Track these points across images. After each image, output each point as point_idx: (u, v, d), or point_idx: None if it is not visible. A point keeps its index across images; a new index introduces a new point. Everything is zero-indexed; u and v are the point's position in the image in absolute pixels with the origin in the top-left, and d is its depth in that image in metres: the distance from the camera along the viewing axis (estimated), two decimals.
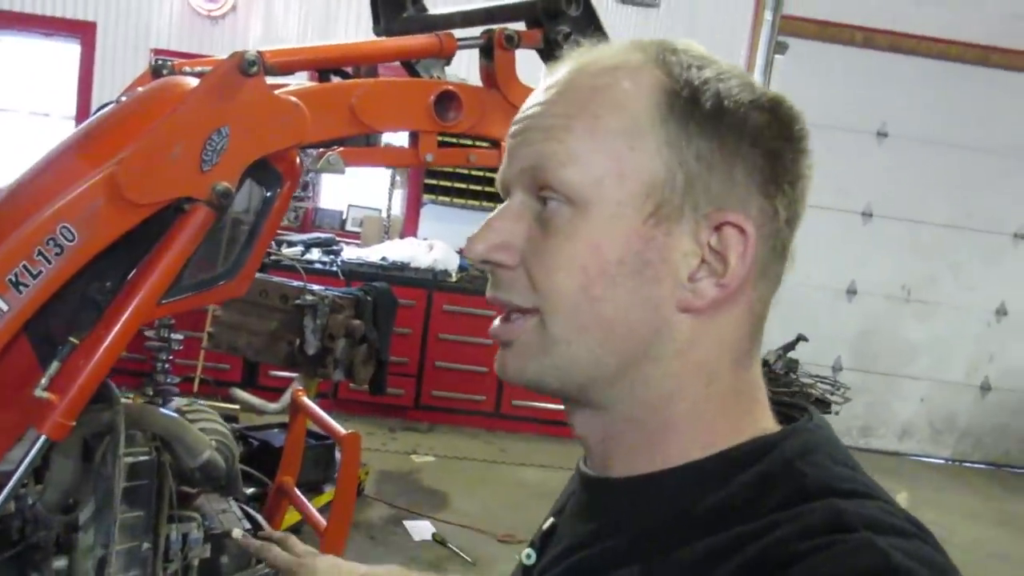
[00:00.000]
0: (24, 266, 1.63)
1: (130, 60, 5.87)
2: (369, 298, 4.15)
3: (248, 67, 1.73)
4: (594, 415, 0.66)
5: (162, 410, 2.25)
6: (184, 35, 5.89)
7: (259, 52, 1.79)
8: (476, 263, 0.67)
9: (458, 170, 5.60)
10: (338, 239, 6.00)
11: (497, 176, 0.70)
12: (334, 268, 5.42)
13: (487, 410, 5.75)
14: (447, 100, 2.03)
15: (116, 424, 1.98)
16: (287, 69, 1.84)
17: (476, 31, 2.07)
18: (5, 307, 1.64)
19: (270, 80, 1.77)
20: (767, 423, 0.65)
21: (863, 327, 6.70)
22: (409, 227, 6.28)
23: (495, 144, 2.15)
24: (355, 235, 6.17)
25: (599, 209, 0.61)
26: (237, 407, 4.41)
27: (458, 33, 2.07)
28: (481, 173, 5.54)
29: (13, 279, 1.64)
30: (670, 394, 0.63)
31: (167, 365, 3.60)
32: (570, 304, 0.62)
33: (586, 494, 0.70)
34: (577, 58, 0.67)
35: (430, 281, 5.63)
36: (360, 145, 1.98)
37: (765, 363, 4.13)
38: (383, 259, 5.64)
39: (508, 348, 0.66)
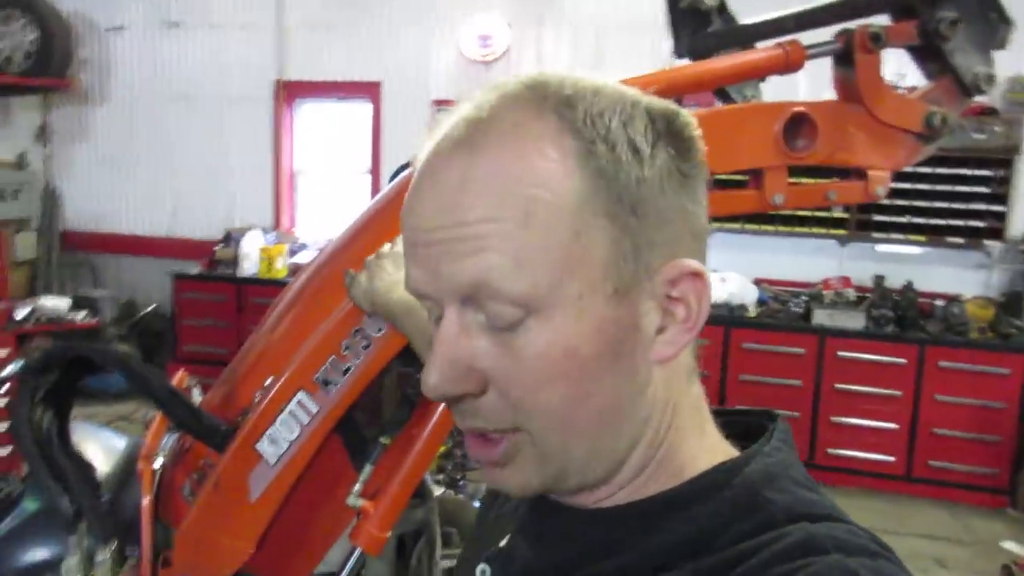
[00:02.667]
0: (332, 362, 1.47)
1: (411, 112, 6.07)
2: None
3: None
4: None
5: (478, 504, 2.03)
6: (460, 83, 5.98)
7: None
8: (437, 399, 0.61)
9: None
10: None
11: (409, 278, 0.62)
12: None
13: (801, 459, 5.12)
14: (796, 126, 1.61)
15: (430, 522, 1.79)
16: None
17: (813, 33, 1.65)
18: (316, 408, 1.49)
19: None
20: (716, 440, 0.66)
21: None
22: None
23: (859, 174, 1.69)
24: None
25: (563, 311, 0.57)
26: None
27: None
28: None
29: (322, 378, 1.48)
30: (652, 442, 0.63)
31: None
32: (560, 416, 0.59)
33: (550, 519, 0.67)
34: (456, 136, 0.59)
35: (726, 317, 5.17)
36: None
37: None
38: None
39: (503, 468, 0.62)
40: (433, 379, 0.59)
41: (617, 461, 0.63)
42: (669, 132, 0.60)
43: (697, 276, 0.61)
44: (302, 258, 6.01)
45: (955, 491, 4.94)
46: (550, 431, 0.60)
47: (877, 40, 1.59)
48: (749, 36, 1.83)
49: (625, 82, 1.73)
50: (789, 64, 1.60)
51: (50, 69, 6.07)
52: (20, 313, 4.02)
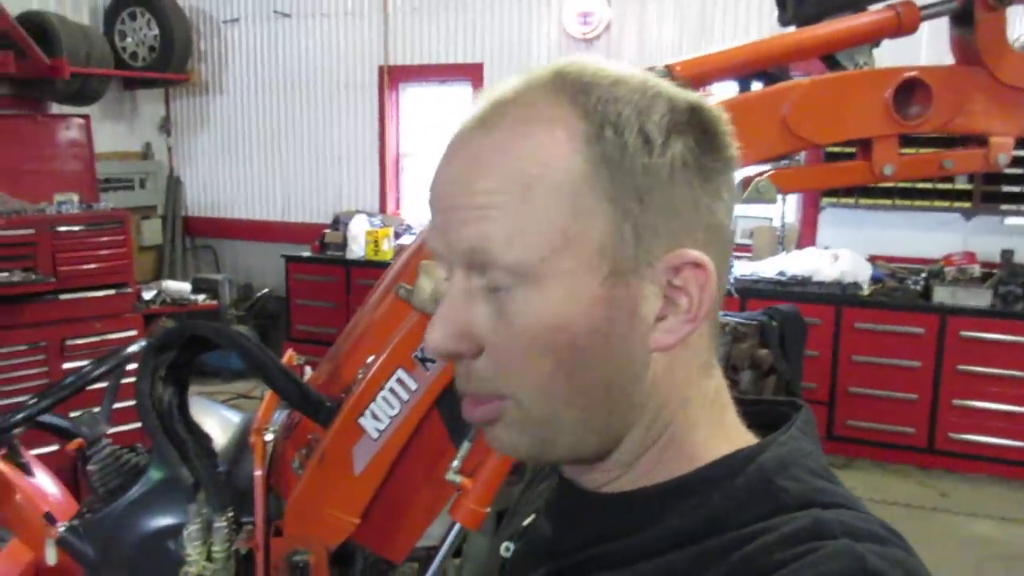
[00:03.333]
0: None
1: None
2: (775, 323, 3.70)
3: None
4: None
5: None
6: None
7: (667, 66, 1.47)
8: (436, 356, 0.65)
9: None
10: None
11: (428, 242, 0.66)
12: (727, 287, 5.00)
13: (919, 444, 4.89)
14: (908, 92, 1.53)
15: None
16: (701, 80, 1.51)
17: None
18: (415, 385, 1.52)
19: None
20: (737, 430, 0.67)
21: None
22: (806, 235, 5.64)
23: (979, 141, 1.59)
24: (745, 247, 5.69)
25: (554, 284, 0.59)
26: None
27: None
28: None
29: (420, 355, 1.51)
30: (651, 427, 0.64)
31: None
32: (545, 386, 0.60)
33: (569, 502, 0.69)
34: (478, 115, 0.63)
35: (838, 296, 4.97)
36: (793, 164, 1.56)
37: None
38: (780, 273, 5.11)
39: (494, 425, 0.64)
40: (434, 336, 0.62)
41: (612, 438, 0.63)
42: (691, 124, 0.61)
43: (699, 266, 0.61)
44: (407, 240, 6.14)
45: None
46: (533, 400, 0.61)
47: None
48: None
49: (724, 53, 1.68)
50: (902, 27, 1.52)
51: (172, 63, 6.38)
52: (148, 295, 4.27)
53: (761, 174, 1.55)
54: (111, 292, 3.90)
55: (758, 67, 1.55)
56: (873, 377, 4.92)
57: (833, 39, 1.56)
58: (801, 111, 1.48)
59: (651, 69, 1.45)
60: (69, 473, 3.02)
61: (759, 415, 0.69)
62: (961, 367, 4.77)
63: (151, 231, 6.81)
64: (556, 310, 0.59)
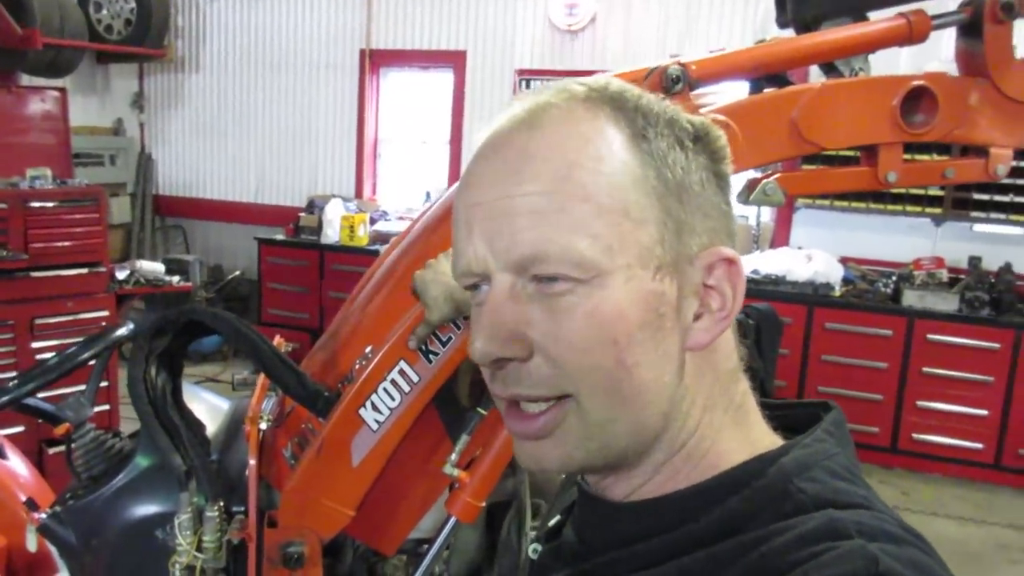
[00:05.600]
0: (435, 332, 1.48)
1: (495, 82, 6.05)
2: (752, 321, 3.73)
3: (672, 84, 1.42)
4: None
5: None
6: (545, 52, 5.92)
7: (682, 64, 1.46)
8: (485, 364, 0.62)
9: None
10: None
11: (460, 261, 0.64)
12: None
13: (881, 444, 4.99)
14: (914, 100, 1.55)
15: (520, 494, 1.80)
16: (713, 80, 1.50)
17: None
18: (417, 377, 1.51)
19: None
20: (762, 434, 0.66)
21: None
22: (781, 235, 5.71)
23: (978, 151, 1.62)
24: None
25: (614, 278, 0.59)
26: None
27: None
28: None
29: (424, 348, 1.49)
30: (680, 430, 0.64)
31: None
32: (610, 381, 0.60)
33: (595, 515, 0.70)
34: (517, 117, 0.63)
35: (810, 296, 5.04)
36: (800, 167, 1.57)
37: None
38: (754, 272, 5.16)
39: (544, 440, 0.63)
40: (480, 342, 0.61)
41: (651, 437, 0.64)
42: (702, 139, 0.64)
43: (731, 262, 0.63)
44: (383, 227, 6.09)
45: None
46: (596, 396, 0.60)
47: (1009, 10, 1.50)
48: (860, 3, 1.75)
49: (738, 54, 1.68)
50: (913, 35, 1.53)
51: (148, 37, 6.24)
52: (121, 275, 4.18)
53: (767, 176, 1.56)
54: (84, 271, 3.81)
55: (771, 70, 1.56)
56: (841, 377, 5.00)
57: (848, 44, 1.57)
58: (811, 115, 1.48)
59: (666, 67, 1.45)
60: (35, 456, 2.95)
61: (790, 418, 0.69)
62: (926, 369, 4.87)
63: (120, 209, 6.68)
64: (615, 303, 0.59)
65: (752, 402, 0.68)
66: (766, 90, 1.58)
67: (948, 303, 4.85)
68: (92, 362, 1.77)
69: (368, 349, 1.62)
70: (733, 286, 0.63)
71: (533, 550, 0.77)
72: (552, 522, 0.77)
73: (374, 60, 6.43)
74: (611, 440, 0.62)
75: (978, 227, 5.15)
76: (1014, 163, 4.85)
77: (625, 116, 0.62)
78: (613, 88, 0.64)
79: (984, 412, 4.80)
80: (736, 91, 1.60)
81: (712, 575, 0.57)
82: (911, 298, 4.91)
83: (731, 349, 0.66)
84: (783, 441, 0.66)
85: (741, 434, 0.66)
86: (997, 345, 4.74)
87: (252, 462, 1.56)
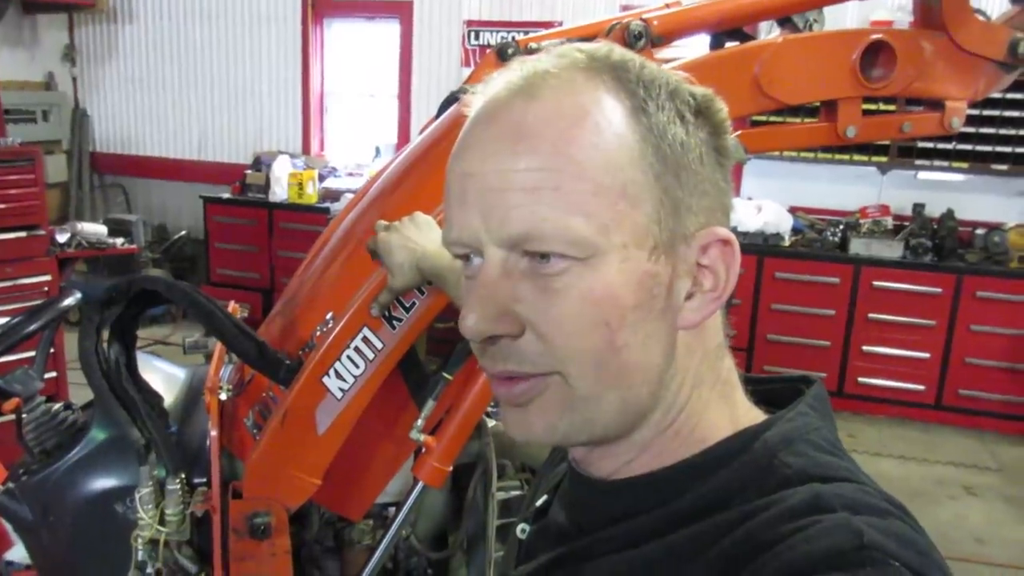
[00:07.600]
0: (398, 299, 1.46)
1: (444, 34, 5.92)
2: None
3: (635, 41, 1.40)
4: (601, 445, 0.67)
5: None
6: (495, 3, 5.80)
7: (644, 19, 1.44)
8: (476, 340, 0.62)
9: (788, 119, 4.93)
10: None
11: (452, 230, 0.62)
12: None
13: (829, 388, 5.10)
14: (872, 55, 1.55)
15: (486, 456, 1.80)
16: (676, 35, 1.48)
17: None
18: (380, 344, 1.49)
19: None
20: (746, 409, 0.67)
21: None
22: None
23: (936, 105, 1.63)
24: None
25: (609, 259, 0.58)
26: None
27: None
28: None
29: (387, 314, 1.47)
30: (669, 408, 0.64)
31: None
32: (597, 362, 0.59)
33: (582, 491, 0.70)
34: (514, 84, 0.60)
35: (760, 247, 5.11)
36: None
37: None
38: None
39: (527, 407, 0.62)
40: (472, 319, 0.60)
41: (638, 415, 0.63)
42: (704, 112, 0.62)
43: (727, 244, 0.62)
44: (332, 183, 5.97)
45: (985, 419, 4.95)
46: (585, 375, 0.60)
47: None
48: None
49: (701, 8, 1.65)
50: None
51: None
52: (61, 238, 4.03)
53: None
54: (22, 234, 3.66)
55: (734, 24, 1.54)
56: (790, 325, 5.11)
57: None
58: (773, 71, 1.48)
59: (628, 23, 1.42)
60: None
61: (771, 393, 0.69)
62: (872, 315, 5.00)
63: (56, 167, 6.41)
64: (609, 285, 0.58)
65: (736, 377, 0.68)
66: (727, 45, 1.56)
67: (893, 250, 4.96)
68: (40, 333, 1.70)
69: (329, 315, 1.59)
70: (727, 266, 0.62)
71: (521, 530, 0.77)
72: (539, 502, 0.77)
73: (317, 9, 6.23)
74: (596, 415, 0.62)
75: (922, 175, 5.26)
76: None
77: (625, 88, 0.60)
78: (615, 57, 0.61)
79: (926, 355, 4.96)
80: (696, 46, 1.59)
81: (698, 552, 0.57)
82: (858, 246, 5.02)
83: (718, 326, 0.66)
84: (766, 416, 0.66)
85: (728, 409, 0.66)
86: (939, 290, 4.88)
87: (214, 433, 1.53)
